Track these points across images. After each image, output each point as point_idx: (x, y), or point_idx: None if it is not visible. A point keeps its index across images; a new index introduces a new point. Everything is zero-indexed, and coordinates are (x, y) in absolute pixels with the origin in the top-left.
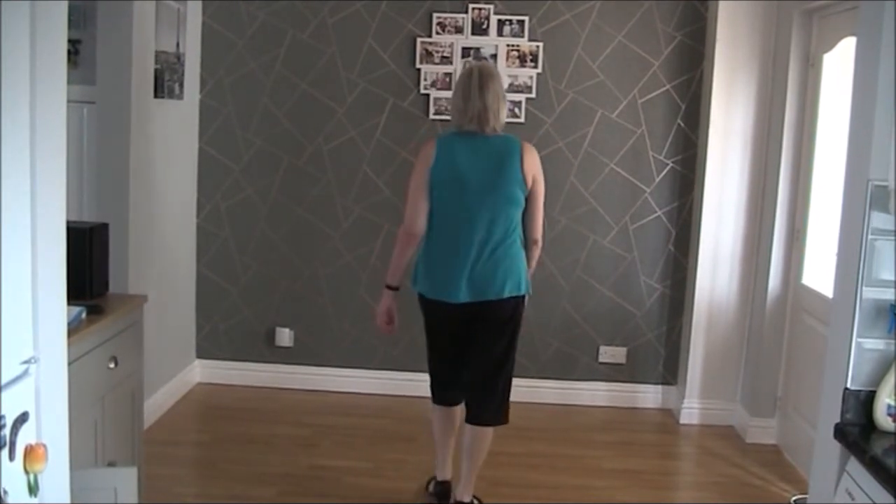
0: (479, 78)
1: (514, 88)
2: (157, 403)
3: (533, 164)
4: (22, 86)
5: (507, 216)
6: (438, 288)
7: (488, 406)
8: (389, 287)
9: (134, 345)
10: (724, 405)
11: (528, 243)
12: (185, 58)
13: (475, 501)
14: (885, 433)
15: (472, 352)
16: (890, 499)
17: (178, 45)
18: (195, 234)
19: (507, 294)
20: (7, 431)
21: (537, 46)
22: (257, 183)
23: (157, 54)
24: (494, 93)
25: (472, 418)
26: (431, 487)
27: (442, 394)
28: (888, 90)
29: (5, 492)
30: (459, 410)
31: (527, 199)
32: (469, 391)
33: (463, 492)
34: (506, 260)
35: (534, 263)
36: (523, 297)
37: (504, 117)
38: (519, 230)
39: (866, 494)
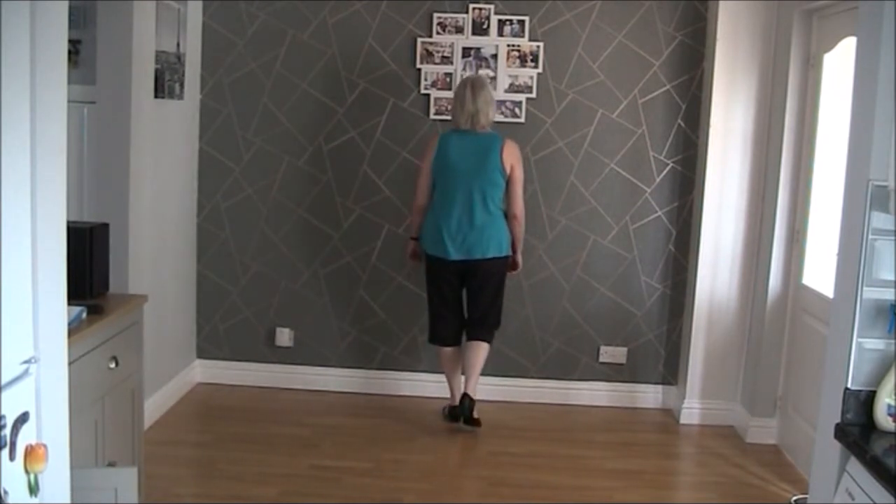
0: (472, 87)
1: (514, 88)
2: (157, 403)
3: (511, 155)
4: (22, 86)
5: (490, 195)
6: (438, 247)
7: (482, 330)
8: (412, 238)
9: (134, 345)
10: (724, 405)
11: (509, 218)
12: (185, 58)
13: (474, 415)
14: (886, 433)
15: (468, 298)
16: (890, 499)
17: (178, 45)
18: (195, 234)
19: (491, 254)
20: (7, 431)
21: (537, 46)
22: (257, 183)
23: (158, 54)
24: (484, 98)
25: (471, 336)
26: (447, 411)
27: (440, 333)
28: (888, 90)
29: (5, 492)
30: (458, 351)
31: (508, 183)
32: (468, 324)
33: (466, 387)
34: (489, 228)
35: (518, 235)
36: (505, 257)
37: (493, 117)
38: (500, 206)
39: (866, 494)
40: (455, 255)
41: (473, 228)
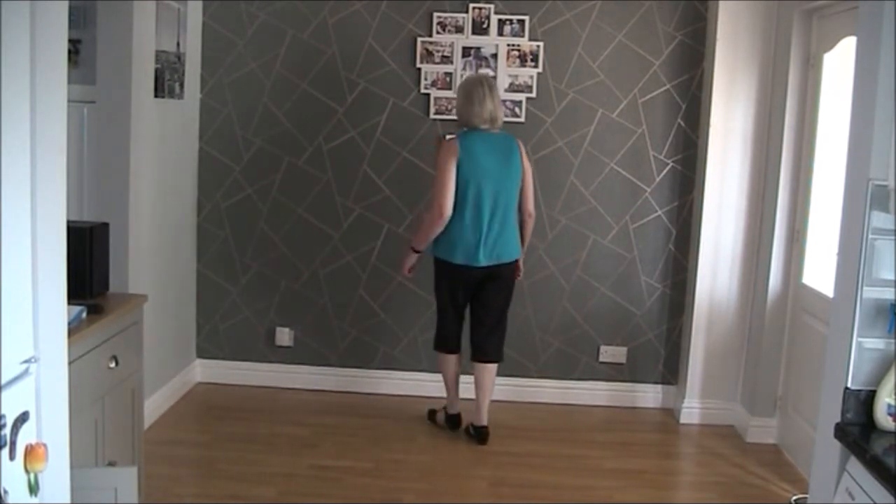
0: (488, 86)
1: (514, 88)
2: (157, 403)
3: (525, 154)
4: (22, 86)
5: (513, 196)
6: (467, 255)
7: (492, 346)
8: (416, 251)
9: (134, 345)
10: (724, 405)
11: (524, 217)
12: (185, 58)
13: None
14: (886, 433)
15: (484, 304)
16: (890, 498)
17: (178, 45)
18: (195, 234)
19: (514, 257)
20: (7, 431)
21: (538, 46)
22: (257, 183)
23: (158, 54)
24: (498, 97)
25: (480, 357)
26: (443, 419)
27: (449, 340)
28: (888, 90)
29: (5, 491)
30: (459, 357)
31: (522, 182)
32: (476, 336)
33: (480, 417)
34: (510, 230)
35: (529, 236)
36: (517, 259)
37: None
38: (516, 207)
39: (866, 494)
40: (484, 260)
41: (503, 231)
